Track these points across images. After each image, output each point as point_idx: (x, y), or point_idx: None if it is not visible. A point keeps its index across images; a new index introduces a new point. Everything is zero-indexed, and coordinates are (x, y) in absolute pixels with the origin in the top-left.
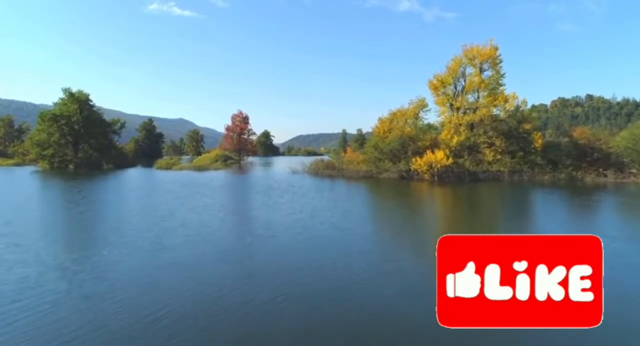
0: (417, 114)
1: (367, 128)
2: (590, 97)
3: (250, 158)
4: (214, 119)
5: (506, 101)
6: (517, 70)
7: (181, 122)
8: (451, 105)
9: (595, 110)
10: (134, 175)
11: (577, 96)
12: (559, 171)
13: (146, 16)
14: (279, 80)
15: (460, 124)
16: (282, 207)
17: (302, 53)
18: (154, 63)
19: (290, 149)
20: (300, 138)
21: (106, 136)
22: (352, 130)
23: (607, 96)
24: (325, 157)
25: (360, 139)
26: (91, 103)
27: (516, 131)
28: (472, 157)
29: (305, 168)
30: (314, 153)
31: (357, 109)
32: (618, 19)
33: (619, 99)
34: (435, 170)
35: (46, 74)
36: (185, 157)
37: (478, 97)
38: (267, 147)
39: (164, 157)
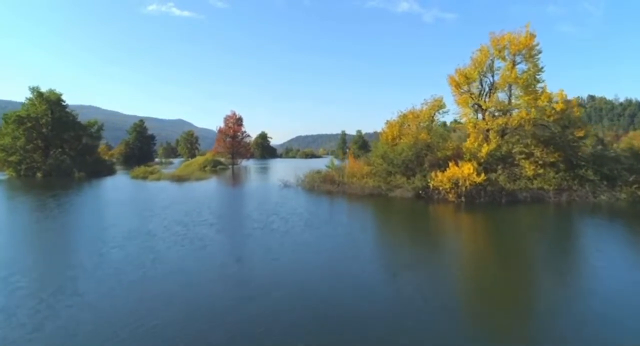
0: (433, 116)
1: (366, 129)
2: (592, 98)
3: (245, 163)
4: (213, 120)
5: (550, 101)
6: None
7: (180, 122)
8: (478, 105)
9: (598, 110)
10: (100, 187)
11: (578, 97)
12: (618, 189)
13: (145, 16)
14: (278, 80)
15: (489, 130)
16: (244, 277)
17: (301, 53)
18: (152, 63)
19: (288, 151)
20: (299, 139)
21: (80, 140)
22: (351, 131)
23: (610, 97)
24: (324, 161)
25: (360, 141)
26: (63, 103)
27: (560, 138)
28: (507, 171)
29: (299, 181)
30: (312, 155)
31: (357, 110)
32: (616, 20)
33: (622, 100)
34: (463, 189)
35: (45, 74)
36: (177, 160)
37: (510, 96)
38: (264, 149)
39: (156, 160)
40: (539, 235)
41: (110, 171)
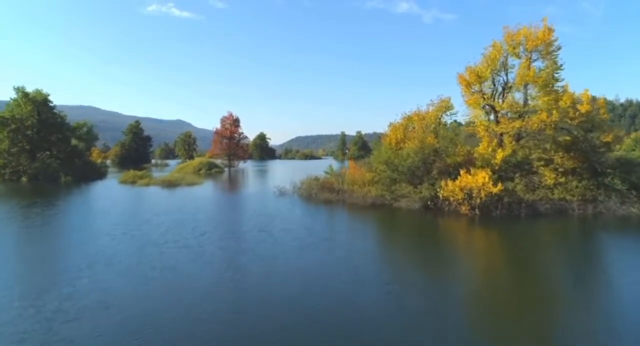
0: (440, 118)
1: (366, 130)
2: (592, 99)
3: (242, 165)
4: (213, 120)
5: (573, 102)
6: None
7: (179, 123)
8: (490, 107)
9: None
10: (83, 194)
11: None
12: None
13: (145, 17)
14: (278, 81)
15: (503, 133)
16: (212, 331)
17: (301, 54)
18: (152, 64)
19: (287, 152)
20: (298, 140)
21: (69, 142)
22: (351, 132)
23: (610, 97)
24: (324, 163)
25: (360, 142)
26: (51, 104)
27: (583, 143)
28: (525, 180)
29: (295, 189)
30: (312, 157)
31: (356, 110)
32: (616, 21)
33: (622, 100)
34: (478, 200)
35: (44, 74)
36: (174, 161)
37: (525, 97)
38: (262, 150)
39: (153, 161)
40: (567, 256)
41: (100, 175)
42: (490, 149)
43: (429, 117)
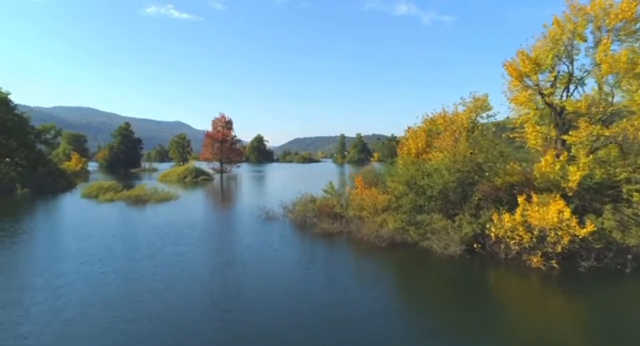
0: (474, 122)
1: (365, 132)
2: None
3: (236, 170)
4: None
5: None
6: None
7: (178, 124)
8: (551, 106)
9: None
10: (25, 214)
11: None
12: None
13: (144, 19)
14: (277, 82)
15: (576, 144)
16: None
17: (300, 56)
18: (151, 65)
19: (285, 154)
20: (297, 141)
21: (33, 148)
22: (350, 134)
23: None
24: (323, 166)
25: (360, 144)
26: (12, 104)
27: None
28: (619, 214)
29: (287, 211)
30: (310, 160)
31: (356, 112)
32: None
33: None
34: (558, 248)
35: (43, 77)
36: (168, 165)
37: (601, 93)
38: (260, 153)
39: (143, 165)
40: None
41: (69, 184)
42: (557, 166)
43: (459, 121)
